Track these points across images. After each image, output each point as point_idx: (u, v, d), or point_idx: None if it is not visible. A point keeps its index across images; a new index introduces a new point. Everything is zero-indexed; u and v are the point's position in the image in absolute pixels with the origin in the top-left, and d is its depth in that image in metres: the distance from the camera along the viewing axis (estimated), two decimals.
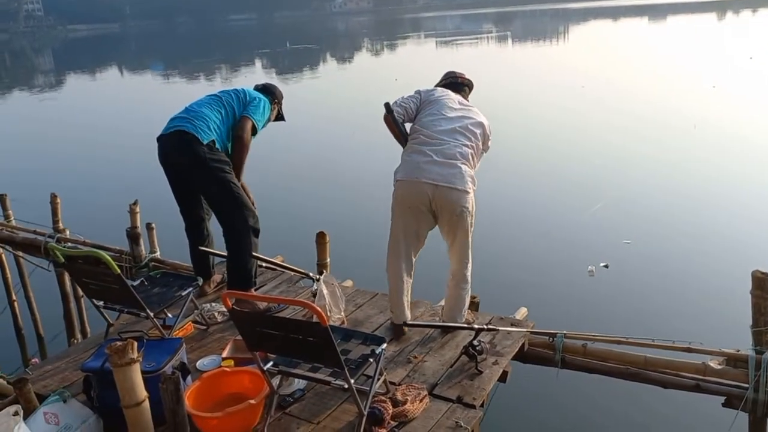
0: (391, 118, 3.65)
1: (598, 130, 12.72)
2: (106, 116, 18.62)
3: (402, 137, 3.72)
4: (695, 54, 24.54)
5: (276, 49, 43.78)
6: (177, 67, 36.38)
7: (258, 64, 34.69)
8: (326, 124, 14.79)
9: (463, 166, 3.48)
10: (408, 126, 3.74)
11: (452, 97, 3.75)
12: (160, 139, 4.09)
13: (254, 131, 4.17)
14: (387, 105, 3.65)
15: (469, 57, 30.05)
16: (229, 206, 4.08)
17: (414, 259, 3.72)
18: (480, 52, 33.45)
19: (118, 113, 19.01)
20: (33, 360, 4.88)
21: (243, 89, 4.30)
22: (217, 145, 4.05)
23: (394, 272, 3.69)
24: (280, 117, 4.55)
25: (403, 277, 3.67)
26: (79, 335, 5.98)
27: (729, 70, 19.03)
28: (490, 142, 3.76)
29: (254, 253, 4.17)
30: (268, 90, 4.43)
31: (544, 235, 7.05)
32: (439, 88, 3.83)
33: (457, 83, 3.92)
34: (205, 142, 3.96)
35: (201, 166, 3.97)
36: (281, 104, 4.52)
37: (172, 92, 21.53)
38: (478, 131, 3.62)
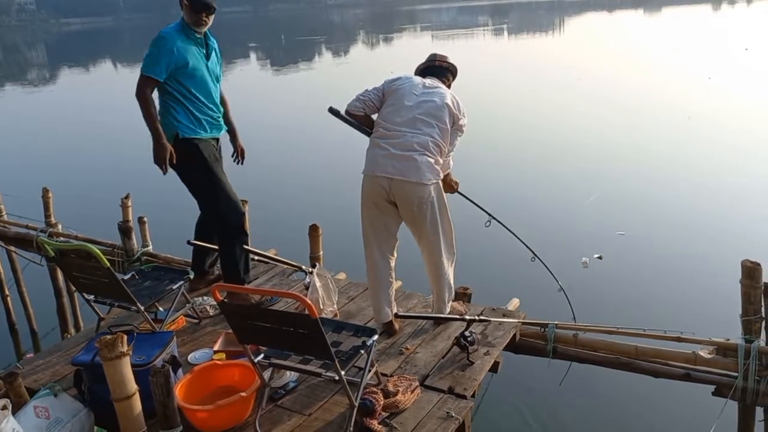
0: (339, 118, 3.64)
1: (593, 122, 12.72)
2: (99, 110, 18.54)
3: (362, 131, 3.67)
4: (691, 46, 24.52)
5: (270, 42, 43.65)
6: None
7: (252, 56, 34.56)
8: (320, 116, 14.73)
9: (420, 157, 3.37)
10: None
11: (415, 83, 3.59)
12: None
13: (150, 80, 3.77)
14: (330, 109, 3.68)
15: (464, 49, 29.98)
16: (203, 205, 4.12)
17: (391, 257, 3.64)
18: (476, 45, 33.39)
19: (111, 107, 18.90)
20: (27, 355, 4.87)
21: None
22: (181, 135, 3.91)
23: (370, 271, 3.65)
24: (193, 5, 3.83)
25: (379, 276, 3.61)
26: (72, 330, 5.97)
27: (725, 62, 19.03)
28: (463, 120, 3.56)
29: (243, 247, 4.13)
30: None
31: (538, 226, 7.05)
32: (404, 76, 3.67)
33: (435, 66, 3.74)
34: (172, 142, 3.91)
35: (176, 169, 3.99)
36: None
37: None
38: (441, 113, 3.46)
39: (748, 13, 41.28)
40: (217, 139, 4.18)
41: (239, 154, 4.40)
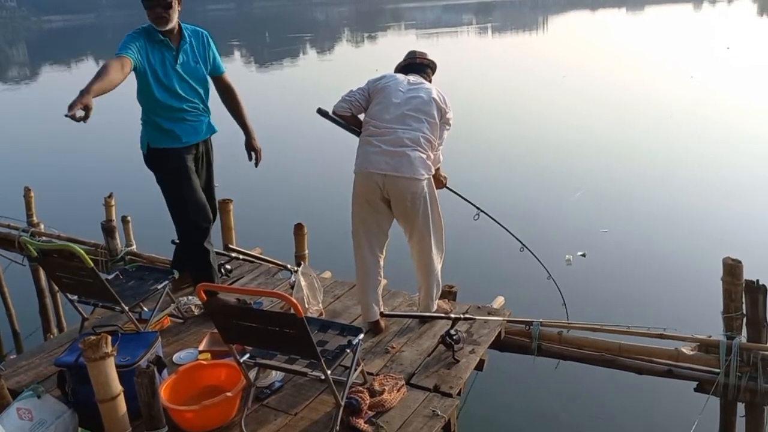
0: (328, 119, 3.64)
1: (577, 120, 12.79)
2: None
3: (351, 131, 3.68)
4: (673, 44, 24.73)
5: (254, 39, 43.45)
6: None
7: (236, 53, 34.37)
8: (305, 114, 14.70)
9: (412, 153, 3.40)
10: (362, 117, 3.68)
11: (400, 80, 3.62)
12: None
13: (119, 57, 3.50)
14: (318, 110, 3.66)
15: (450, 47, 30.04)
16: (171, 214, 4.00)
17: (381, 255, 3.65)
18: (462, 43, 33.44)
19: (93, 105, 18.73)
20: (10, 357, 4.82)
21: None
22: (152, 144, 3.82)
23: (360, 269, 3.66)
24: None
25: (369, 274, 3.62)
26: (55, 330, 5.91)
27: (707, 60, 19.23)
28: (450, 114, 3.59)
29: (206, 259, 3.99)
30: None
31: (522, 223, 7.06)
32: (388, 74, 3.70)
33: (415, 63, 3.77)
34: (144, 153, 3.88)
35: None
36: None
37: None
38: (429, 108, 3.50)
39: (729, 12, 41.72)
40: (198, 144, 3.97)
41: (254, 156, 4.21)
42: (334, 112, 3.67)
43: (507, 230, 4.38)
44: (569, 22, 45.93)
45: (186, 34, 3.82)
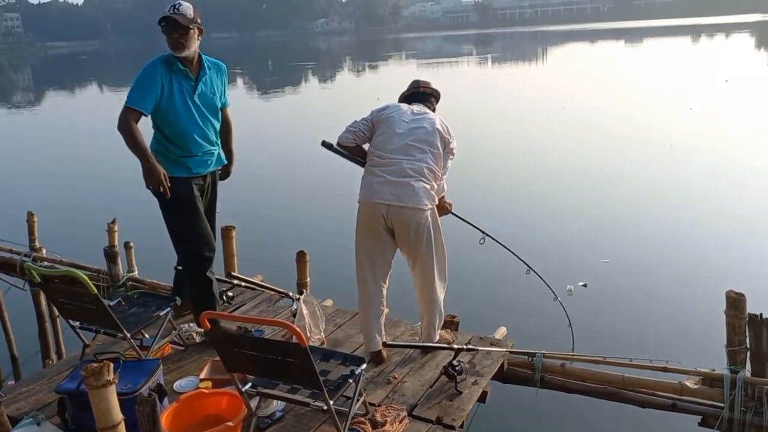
0: (332, 151, 3.68)
1: (577, 151, 12.87)
2: (85, 133, 18.49)
3: (356, 161, 3.71)
4: (672, 76, 25.00)
5: (257, 67, 43.89)
6: None
7: (239, 81, 34.69)
8: (307, 142, 14.81)
9: (416, 183, 3.43)
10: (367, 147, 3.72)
11: (404, 111, 3.66)
12: None
13: (133, 111, 3.61)
14: (323, 143, 3.71)
15: (450, 77, 30.34)
16: (175, 244, 4.00)
17: (384, 285, 3.66)
18: (461, 73, 33.79)
19: (97, 130, 18.85)
20: (9, 382, 4.78)
21: None
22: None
23: (363, 299, 3.65)
24: (160, 22, 3.65)
25: (372, 303, 3.62)
26: (54, 356, 5.86)
27: (706, 93, 19.41)
28: (453, 144, 3.63)
29: (207, 289, 4.01)
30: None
31: (522, 252, 7.10)
32: (392, 104, 3.75)
33: (419, 93, 3.82)
34: None
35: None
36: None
37: None
38: (433, 139, 3.54)
39: (727, 45, 42.26)
40: (206, 175, 4.00)
41: (223, 174, 4.23)
42: (338, 144, 3.70)
43: (513, 253, 4.37)
44: (568, 54, 46.47)
45: (206, 66, 3.86)
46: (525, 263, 4.34)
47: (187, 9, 3.66)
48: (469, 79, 29.99)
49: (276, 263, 5.99)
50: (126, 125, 3.58)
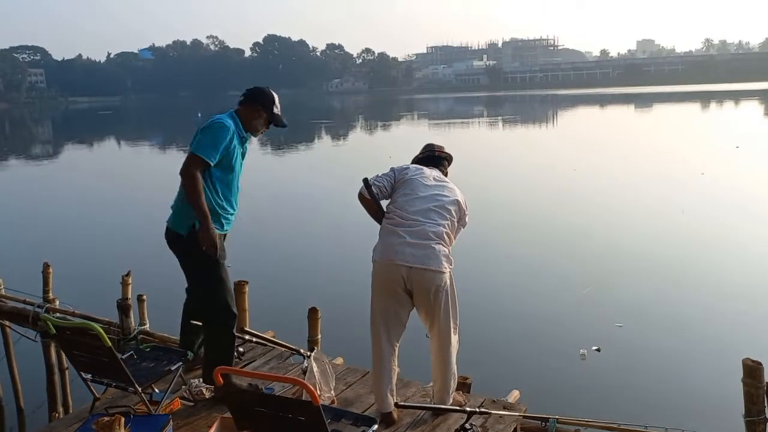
0: (368, 193, 3.66)
1: (588, 214, 12.92)
2: (101, 186, 18.81)
3: (379, 214, 3.72)
4: (683, 142, 25.25)
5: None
6: (176, 138, 37.00)
7: (253, 138, 35.32)
8: (320, 199, 14.99)
9: (437, 246, 3.46)
10: (384, 204, 3.73)
11: (426, 174, 3.72)
12: None
13: (203, 162, 3.67)
14: (366, 180, 3.68)
15: (461, 138, 30.79)
16: (204, 300, 3.97)
17: (397, 345, 3.64)
18: (472, 134, 34.30)
19: (113, 183, 19.21)
20: None
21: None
22: (198, 227, 3.77)
23: (376, 359, 3.63)
24: (276, 122, 4.00)
25: (384, 365, 3.59)
26: (60, 408, 5.83)
27: (717, 159, 19.55)
28: (467, 218, 3.72)
29: (229, 348, 4.01)
30: (248, 96, 3.95)
31: (537, 316, 7.06)
32: (413, 166, 3.81)
33: (434, 156, 3.90)
34: (185, 234, 3.79)
35: (184, 258, 3.93)
36: (272, 107, 3.95)
37: (169, 162, 21.86)
38: (453, 208, 3.61)
39: (737, 113, 42.73)
40: (225, 235, 4.04)
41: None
42: (359, 194, 3.72)
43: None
44: (579, 117, 47.15)
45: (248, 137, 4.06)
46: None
47: None
48: (481, 141, 30.42)
49: (286, 320, 5.99)
50: (192, 174, 3.63)
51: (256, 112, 3.91)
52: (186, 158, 3.69)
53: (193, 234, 3.76)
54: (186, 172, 3.64)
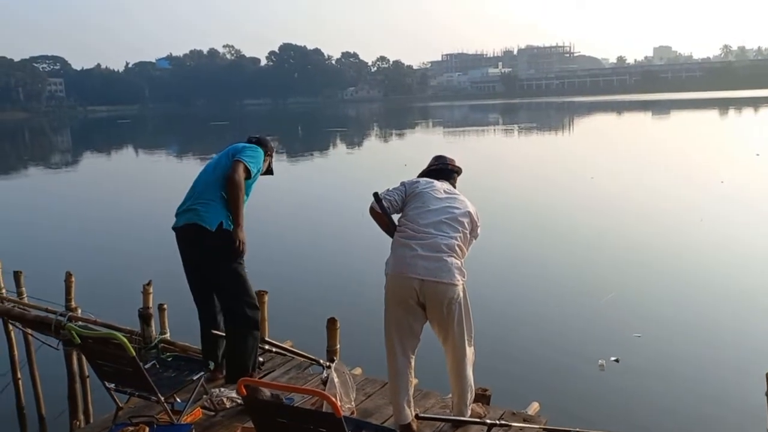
0: (379, 206, 3.68)
1: (606, 222, 12.84)
2: (122, 195, 19.01)
3: (391, 227, 3.73)
4: (701, 148, 25.03)
5: (287, 133, 45.07)
6: (193, 146, 37.33)
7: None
8: (338, 208, 15.04)
9: (449, 259, 3.46)
10: (395, 217, 3.75)
11: (437, 187, 3.74)
12: (175, 230, 4.22)
13: (248, 175, 4.18)
14: (376, 195, 3.70)
15: (477, 146, 30.75)
16: (232, 297, 4.18)
17: (412, 356, 3.64)
18: (488, 142, 34.24)
19: (133, 191, 19.40)
20: None
21: (235, 145, 4.39)
22: (225, 225, 4.10)
23: (392, 371, 3.63)
24: (269, 171, 4.61)
25: (401, 376, 3.60)
26: (81, 417, 5.88)
27: (737, 166, 19.35)
28: (479, 229, 3.73)
29: (256, 343, 4.23)
30: (261, 142, 4.47)
31: (555, 327, 7.02)
32: (423, 179, 3.83)
33: (446, 169, 3.93)
34: (213, 229, 4.04)
35: (210, 257, 4.11)
36: (272, 157, 4.60)
37: (187, 169, 22.06)
38: (465, 220, 3.61)
39: (755, 119, 42.30)
40: None
41: None
42: (371, 209, 3.74)
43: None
44: (596, 124, 46.90)
45: None
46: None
47: None
48: (497, 148, 30.36)
49: (305, 330, 6.01)
50: (242, 183, 4.13)
51: (260, 152, 4.37)
52: (237, 167, 4.11)
53: (221, 230, 4.06)
54: (239, 179, 4.09)
